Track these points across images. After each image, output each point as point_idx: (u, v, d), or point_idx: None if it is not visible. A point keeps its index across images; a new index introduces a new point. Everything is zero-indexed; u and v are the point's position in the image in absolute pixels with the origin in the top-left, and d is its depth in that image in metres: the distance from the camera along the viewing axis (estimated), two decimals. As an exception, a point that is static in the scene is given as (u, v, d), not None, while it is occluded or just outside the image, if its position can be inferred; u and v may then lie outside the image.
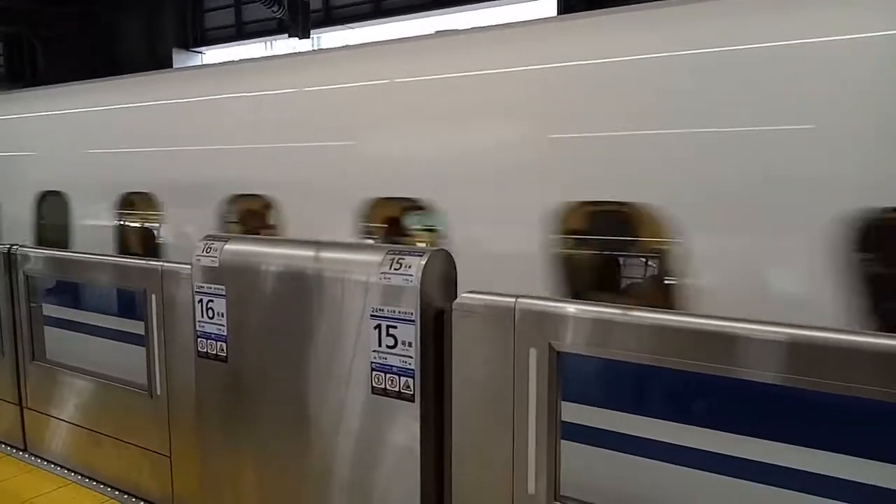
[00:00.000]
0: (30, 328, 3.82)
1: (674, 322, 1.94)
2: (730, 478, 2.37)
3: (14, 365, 3.86)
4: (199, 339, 2.83)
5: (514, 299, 2.13)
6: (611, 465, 2.56)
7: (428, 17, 9.74)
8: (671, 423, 2.12)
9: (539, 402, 2.07)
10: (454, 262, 2.41)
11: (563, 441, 2.07)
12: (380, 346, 2.32)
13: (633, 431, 2.20)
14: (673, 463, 2.15)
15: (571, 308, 2.09)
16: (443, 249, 2.40)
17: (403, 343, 2.28)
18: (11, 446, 3.89)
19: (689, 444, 2.04)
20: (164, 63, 12.28)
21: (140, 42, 13.10)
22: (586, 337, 2.05)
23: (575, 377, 2.17)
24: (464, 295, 2.24)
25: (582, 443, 2.19)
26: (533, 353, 2.08)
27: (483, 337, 2.17)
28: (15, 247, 3.86)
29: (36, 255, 3.80)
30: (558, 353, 2.05)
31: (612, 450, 2.36)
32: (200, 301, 2.82)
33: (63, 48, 13.99)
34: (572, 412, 2.14)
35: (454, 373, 2.23)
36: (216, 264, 2.78)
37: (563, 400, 2.07)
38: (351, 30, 10.81)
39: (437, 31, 4.86)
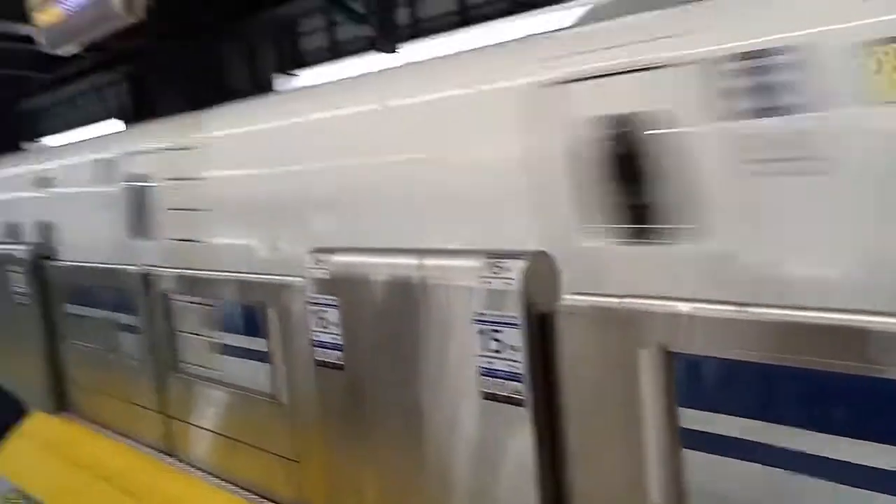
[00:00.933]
0: (168, 342, 4.18)
1: (797, 318, 1.85)
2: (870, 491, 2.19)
3: (157, 377, 4.24)
4: (315, 349, 3.00)
5: (619, 299, 2.12)
6: (738, 476, 2.43)
7: (514, 21, 9.74)
8: (801, 430, 1.99)
9: (653, 406, 2.04)
10: (556, 263, 2.42)
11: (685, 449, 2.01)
12: (486, 350, 2.37)
13: (761, 439, 2.08)
14: (806, 474, 2.02)
15: (682, 306, 2.04)
16: (543, 251, 2.41)
17: (509, 347, 2.31)
18: (159, 451, 4.26)
19: (825, 454, 1.91)
20: (265, 88, 13.00)
21: (242, 71, 13.94)
22: (699, 336, 2.00)
23: (691, 380, 2.10)
24: (567, 296, 2.25)
25: (702, 451, 2.11)
26: (643, 354, 2.05)
27: (590, 339, 2.16)
28: (152, 268, 4.25)
29: (168, 275, 4.16)
30: (670, 353, 2.02)
31: (740, 459, 2.25)
32: (314, 312, 2.98)
33: (174, 83, 15.11)
34: (692, 419, 2.06)
35: (563, 377, 2.24)
36: (327, 276, 2.93)
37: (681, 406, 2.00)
38: (436, 41, 11.00)
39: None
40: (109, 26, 5.89)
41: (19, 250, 5.33)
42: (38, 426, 4.91)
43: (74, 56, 9.52)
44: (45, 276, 5.21)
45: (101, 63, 14.87)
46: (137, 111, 16.63)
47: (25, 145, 19.42)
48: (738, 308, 1.92)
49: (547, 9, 9.42)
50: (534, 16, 9.61)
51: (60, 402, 5.19)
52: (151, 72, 15.70)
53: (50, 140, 19.74)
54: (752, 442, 2.04)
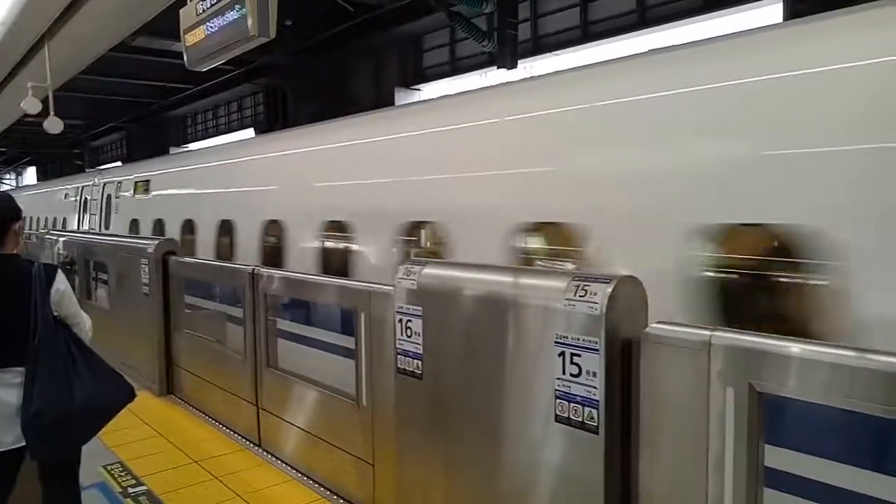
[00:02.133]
0: (266, 339, 4.38)
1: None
2: None
3: (253, 370, 4.45)
4: (397, 356, 3.02)
5: (710, 332, 1.97)
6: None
7: (634, 37, 9.48)
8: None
9: (738, 447, 1.88)
10: (644, 290, 2.29)
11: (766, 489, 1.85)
12: (563, 373, 2.28)
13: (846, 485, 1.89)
14: None
15: (777, 344, 1.86)
16: (632, 276, 2.29)
17: (587, 372, 2.21)
18: (249, 441, 4.47)
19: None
20: (388, 101, 13.46)
21: (368, 84, 14.53)
22: (795, 378, 1.81)
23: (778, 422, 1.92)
24: (654, 325, 2.12)
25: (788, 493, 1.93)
26: (730, 392, 1.89)
27: (674, 371, 2.03)
28: (257, 268, 4.48)
29: (270, 275, 4.36)
30: (760, 394, 1.85)
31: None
32: (400, 321, 3.01)
33: (307, 95, 16.02)
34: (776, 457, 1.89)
35: (642, 407, 2.11)
36: (415, 287, 2.95)
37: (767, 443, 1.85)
38: (557, 57, 10.91)
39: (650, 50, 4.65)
40: (245, 46, 6.32)
41: (149, 245, 5.80)
42: (146, 406, 5.31)
43: (218, 70, 10.42)
44: (168, 270, 5.65)
45: (240, 76, 16.04)
46: (270, 120, 17.79)
47: (172, 150, 21.33)
48: (836, 352, 1.73)
49: (668, 25, 9.09)
50: (653, 32, 9.32)
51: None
52: (285, 84, 16.75)
53: (193, 145, 21.55)
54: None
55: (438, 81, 13.41)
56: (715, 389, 1.92)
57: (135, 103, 20.25)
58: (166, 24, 8.75)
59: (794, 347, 1.84)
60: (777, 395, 1.84)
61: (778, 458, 1.92)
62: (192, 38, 6.73)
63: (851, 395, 1.72)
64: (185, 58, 7.06)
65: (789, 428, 1.97)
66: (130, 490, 3.77)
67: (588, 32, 10.50)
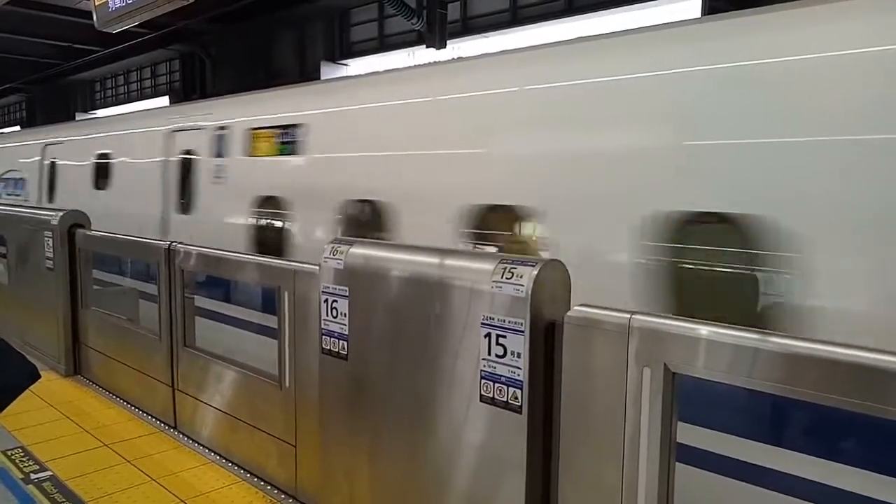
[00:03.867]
0: (183, 317, 4.22)
1: (803, 350, 1.77)
2: None
3: (169, 350, 4.29)
4: (322, 337, 2.98)
5: (629, 315, 2.05)
6: (727, 495, 2.38)
7: (564, 23, 9.64)
8: (794, 452, 1.95)
9: (652, 424, 1.98)
10: (568, 274, 2.35)
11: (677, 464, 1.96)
12: (489, 354, 2.32)
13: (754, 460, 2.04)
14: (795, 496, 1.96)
15: (691, 328, 1.97)
16: (556, 260, 2.35)
17: (512, 353, 2.26)
18: (164, 423, 4.31)
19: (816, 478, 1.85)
20: (313, 75, 13.12)
21: (292, 56, 14.10)
22: (706, 360, 1.92)
23: (690, 401, 2.04)
24: (576, 308, 2.19)
25: (696, 467, 2.06)
26: (647, 372, 1.99)
27: (595, 352, 2.10)
28: (174, 243, 4.29)
29: (187, 251, 4.19)
30: (674, 374, 1.94)
31: (731, 478, 2.21)
32: (326, 301, 2.97)
33: (227, 64, 15.39)
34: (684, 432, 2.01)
35: (564, 387, 2.18)
36: (341, 266, 2.91)
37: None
38: (486, 39, 10.94)
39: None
40: (162, 9, 5.99)
41: (53, 217, 5.44)
42: (51, 387, 5.02)
43: (131, 32, 9.79)
44: (74, 244, 5.33)
45: (154, 40, 15.19)
46: (186, 89, 16.98)
47: (79, 115, 20.03)
48: (760, 337, 1.84)
49: (598, 12, 9.29)
50: (581, 19, 9.51)
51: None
52: (203, 52, 16.01)
53: (101, 112, 20.31)
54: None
55: (366, 57, 13.18)
56: (633, 370, 2.00)
57: (36, 63, 18.82)
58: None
59: (703, 330, 1.94)
60: (689, 375, 1.94)
61: (688, 434, 2.03)
62: (103, -3, 6.33)
63: (753, 374, 1.84)
64: (94, 17, 6.62)
65: (700, 405, 2.09)
66: (33, 476, 3.57)
67: (517, 17, 10.59)
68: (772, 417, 2.52)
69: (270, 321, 3.62)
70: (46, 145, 10.07)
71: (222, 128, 6.33)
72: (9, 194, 10.98)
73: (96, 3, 6.66)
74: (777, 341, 1.83)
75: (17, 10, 11.44)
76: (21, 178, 10.73)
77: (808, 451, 2.39)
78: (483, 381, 2.34)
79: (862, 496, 2.27)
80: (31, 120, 22.95)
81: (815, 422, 2.39)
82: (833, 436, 2.38)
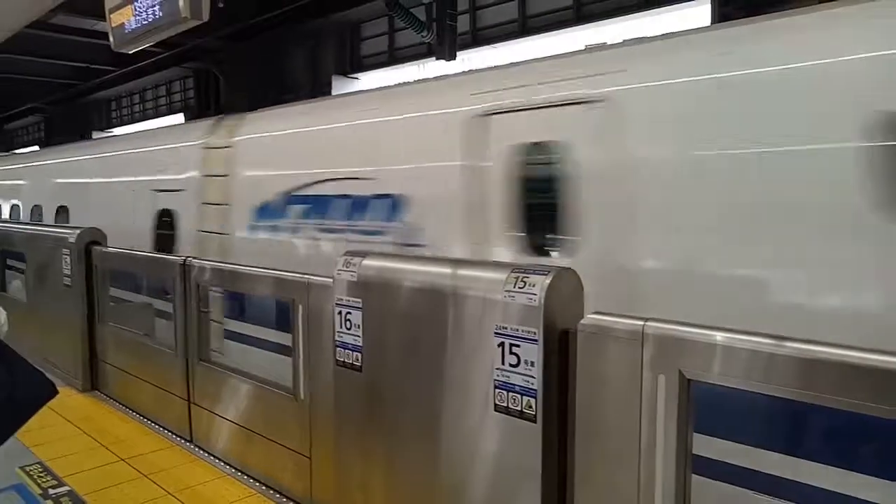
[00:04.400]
0: (198, 332, 4.25)
1: (820, 354, 1.74)
2: None
3: (185, 364, 4.31)
4: (336, 349, 2.99)
5: (643, 322, 2.04)
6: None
7: (573, 32, 9.65)
8: (817, 464, 1.90)
9: (668, 431, 1.96)
10: (581, 281, 2.34)
11: (694, 476, 1.94)
12: (503, 364, 2.32)
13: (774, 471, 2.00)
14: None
15: (705, 334, 1.95)
16: (569, 268, 2.34)
17: (526, 362, 2.25)
18: (181, 437, 4.33)
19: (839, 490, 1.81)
20: (325, 90, 13.23)
21: (304, 71, 14.23)
22: (722, 366, 1.90)
23: (709, 408, 2.01)
24: (589, 316, 2.18)
25: (715, 480, 2.03)
26: (662, 379, 1.97)
27: (609, 360, 2.09)
28: (189, 258, 4.33)
29: (202, 266, 4.22)
30: (689, 381, 1.92)
31: (750, 490, 2.17)
32: (339, 313, 2.98)
33: (240, 80, 15.56)
34: (705, 445, 1.98)
35: (579, 396, 2.17)
36: (354, 278, 2.92)
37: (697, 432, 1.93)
38: (495, 49, 10.98)
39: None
40: (176, 29, 6.07)
41: (71, 234, 5.51)
42: (69, 403, 5.06)
43: (146, 52, 9.93)
44: (91, 261, 5.39)
45: (169, 59, 15.42)
46: (201, 105, 17.20)
47: (95, 134, 20.34)
48: (775, 342, 1.81)
49: (604, 21, 9.30)
50: (589, 27, 9.52)
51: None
52: (217, 69, 16.21)
53: (118, 130, 20.61)
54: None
55: (377, 71, 13.28)
56: (647, 377, 1.99)
57: (54, 84, 19.15)
58: (87, 1, 8.31)
59: (718, 335, 1.92)
60: (705, 381, 1.92)
61: (706, 444, 2.00)
62: (118, 19, 6.42)
63: (769, 380, 1.82)
64: (110, 39, 6.72)
65: (716, 413, 2.07)
66: (51, 491, 3.59)
67: (526, 27, 10.63)
68: (790, 424, 2.48)
69: (285, 335, 3.63)
70: None
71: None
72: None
73: (113, 25, 6.75)
74: (793, 346, 1.80)
75: (36, 32, 11.66)
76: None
77: (827, 458, 2.35)
78: (497, 390, 2.33)
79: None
80: (49, 139, 23.30)
81: (835, 427, 2.35)
82: (853, 441, 2.34)
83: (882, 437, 2.11)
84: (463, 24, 11.22)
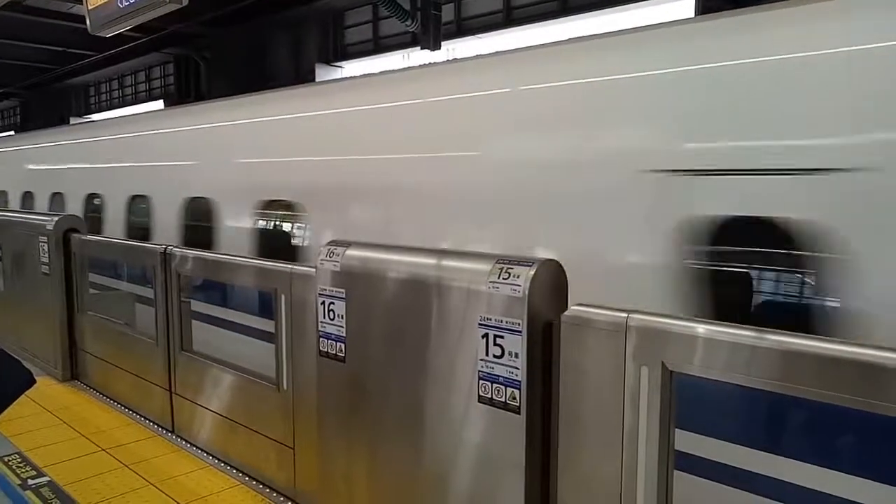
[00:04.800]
0: (180, 321, 4.21)
1: (803, 347, 1.77)
2: None
3: (166, 354, 4.27)
4: (320, 339, 2.97)
5: (626, 314, 2.05)
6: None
7: (558, 23, 9.65)
8: (797, 461, 1.92)
9: (650, 423, 1.98)
10: (565, 273, 2.35)
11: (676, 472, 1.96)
12: (487, 355, 2.32)
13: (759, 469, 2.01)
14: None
15: (688, 326, 1.97)
16: (553, 260, 2.35)
17: (510, 353, 2.26)
18: (162, 427, 4.30)
19: (818, 488, 1.82)
20: (308, 77, 13.11)
21: (287, 58, 14.09)
22: (704, 358, 1.92)
23: (692, 401, 2.04)
24: (573, 307, 2.19)
25: (696, 475, 2.05)
26: (645, 371, 1.99)
27: (592, 352, 2.10)
28: (170, 247, 4.28)
29: (184, 255, 4.18)
30: (672, 373, 1.94)
31: (732, 486, 2.18)
32: (323, 303, 2.96)
33: (222, 67, 15.37)
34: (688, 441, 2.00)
35: (562, 387, 2.18)
36: (338, 268, 2.91)
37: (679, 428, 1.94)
38: (480, 39, 10.95)
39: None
40: (154, 12, 5.97)
41: (48, 222, 5.42)
42: (48, 393, 5.00)
43: (125, 36, 9.78)
44: (70, 249, 5.31)
45: (148, 44, 15.17)
46: (181, 92, 16.96)
47: (73, 120, 19.98)
48: (756, 334, 1.83)
49: (592, 12, 9.31)
50: (574, 19, 9.53)
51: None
52: (198, 55, 15.99)
53: (95, 116, 20.27)
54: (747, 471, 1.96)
55: (361, 59, 13.19)
56: (630, 369, 2.00)
57: (30, 69, 18.77)
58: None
59: (700, 328, 1.94)
60: (687, 373, 1.94)
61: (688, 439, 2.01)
62: (95, 1, 6.30)
63: (751, 372, 1.84)
64: (87, 22, 6.60)
65: (699, 405, 2.09)
66: (31, 482, 3.55)
67: (511, 17, 10.60)
68: (771, 417, 2.52)
69: (268, 324, 3.61)
70: None
71: None
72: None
73: (89, 7, 6.62)
74: (774, 339, 1.83)
75: (11, 14, 11.41)
76: None
77: (808, 452, 2.39)
78: (481, 381, 2.34)
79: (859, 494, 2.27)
80: (26, 125, 22.87)
81: (815, 420, 2.39)
82: (833, 434, 2.38)
83: (861, 430, 2.15)
84: (448, 13, 11.17)
